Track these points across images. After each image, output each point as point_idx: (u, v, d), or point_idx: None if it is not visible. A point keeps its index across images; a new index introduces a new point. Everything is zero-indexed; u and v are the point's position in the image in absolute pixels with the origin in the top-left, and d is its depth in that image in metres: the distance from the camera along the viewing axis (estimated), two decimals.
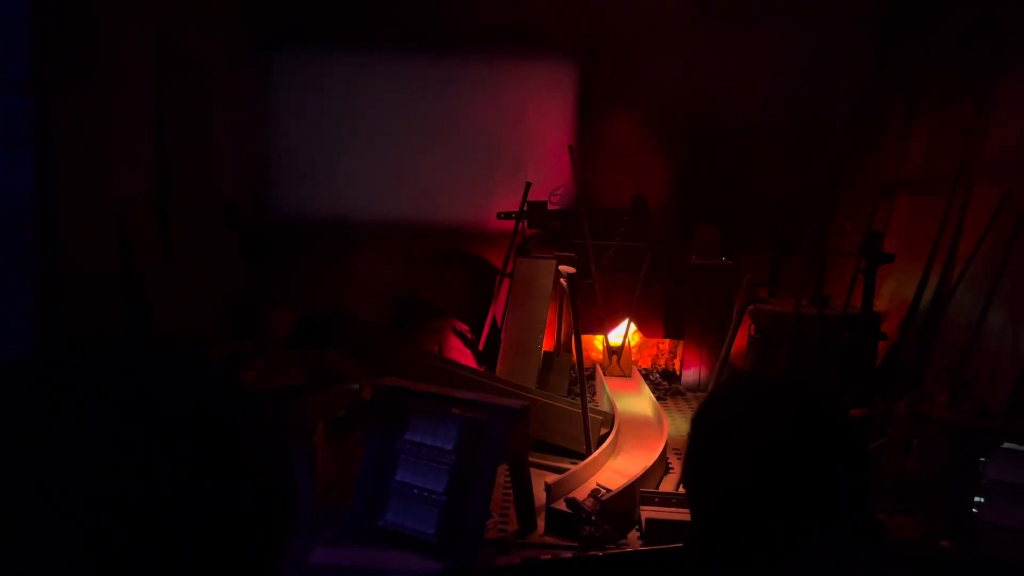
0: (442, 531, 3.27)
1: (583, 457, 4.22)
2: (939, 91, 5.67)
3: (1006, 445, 3.21)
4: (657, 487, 4.02)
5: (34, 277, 3.33)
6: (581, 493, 3.63)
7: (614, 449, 4.44)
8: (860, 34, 6.53)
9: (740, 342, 5.76)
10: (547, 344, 5.88)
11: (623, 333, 6.35)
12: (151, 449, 0.69)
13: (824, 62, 6.45)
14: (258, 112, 6.92)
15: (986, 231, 4.63)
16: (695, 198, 6.77)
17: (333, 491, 3.88)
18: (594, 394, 5.93)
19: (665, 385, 6.46)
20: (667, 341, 6.92)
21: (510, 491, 3.69)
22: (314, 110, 6.92)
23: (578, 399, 4.53)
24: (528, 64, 7.08)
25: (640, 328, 6.69)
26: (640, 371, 6.47)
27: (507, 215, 6.65)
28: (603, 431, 4.70)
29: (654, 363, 6.96)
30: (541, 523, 3.60)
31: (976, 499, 3.22)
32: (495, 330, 6.25)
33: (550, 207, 6.78)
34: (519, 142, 7.12)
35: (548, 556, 3.33)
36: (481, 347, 6.34)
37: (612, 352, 6.34)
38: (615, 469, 4.18)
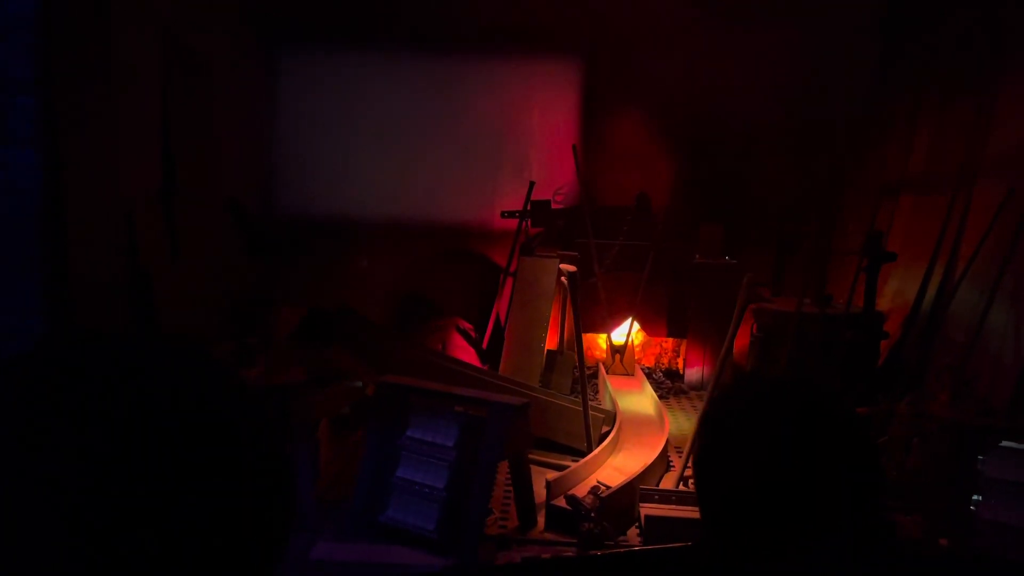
0: (442, 527, 3.30)
1: (584, 455, 4.24)
2: (941, 91, 5.67)
3: (1005, 443, 3.21)
4: (657, 484, 4.03)
5: (41, 274, 3.37)
6: (581, 490, 3.66)
7: (615, 447, 4.46)
8: (861, 34, 6.53)
9: (743, 341, 5.77)
10: (550, 343, 5.89)
11: (626, 332, 6.37)
12: (150, 448, 0.69)
13: (825, 62, 6.46)
14: (263, 111, 6.95)
15: (988, 230, 4.63)
16: (698, 197, 6.78)
17: (336, 487, 3.91)
18: (597, 393, 5.95)
19: (668, 384, 6.47)
20: (670, 340, 6.93)
21: (511, 488, 3.72)
22: (319, 109, 6.95)
23: (580, 397, 4.55)
24: (532, 64, 7.09)
25: (643, 327, 6.71)
26: (643, 370, 6.49)
27: (511, 214, 6.67)
28: (604, 429, 4.71)
29: (657, 362, 6.97)
30: (541, 520, 3.62)
31: (974, 497, 3.23)
32: (499, 329, 6.27)
33: (554, 206, 6.79)
34: (523, 141, 7.14)
35: (548, 552, 3.35)
36: (485, 345, 6.37)
37: (615, 351, 6.36)
38: (616, 467, 4.20)
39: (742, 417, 1.27)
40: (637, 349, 6.67)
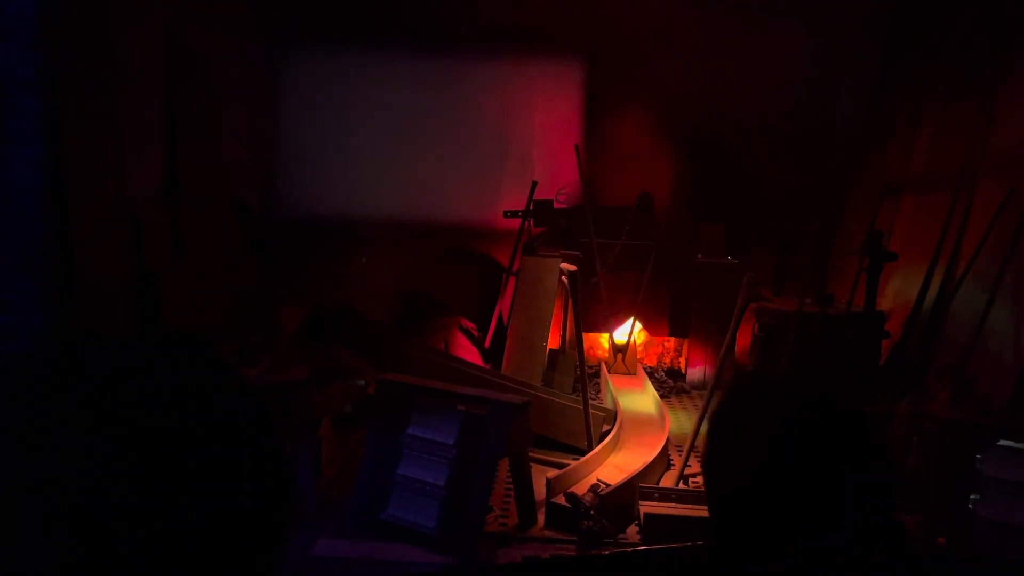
0: (443, 524, 3.32)
1: (585, 453, 4.26)
2: (943, 91, 5.67)
3: (1003, 442, 3.22)
4: (657, 483, 4.05)
5: (46, 274, 3.40)
6: (581, 488, 3.67)
7: (615, 445, 4.47)
8: (863, 34, 6.53)
9: (744, 341, 5.79)
10: (552, 342, 5.91)
11: (628, 331, 6.38)
12: (152, 448, 0.69)
13: (827, 62, 6.46)
14: (267, 111, 6.98)
15: (988, 230, 4.64)
16: (700, 197, 6.79)
17: (337, 485, 3.93)
18: (599, 392, 5.97)
19: (670, 383, 6.48)
20: (672, 339, 6.94)
21: (512, 485, 3.73)
22: (322, 109, 6.98)
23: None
24: (534, 64, 7.11)
25: (645, 326, 6.72)
26: (645, 369, 6.51)
27: (513, 214, 6.69)
28: (605, 428, 4.73)
29: (659, 361, 6.99)
30: (541, 517, 3.64)
31: (972, 496, 3.24)
32: (501, 328, 6.29)
33: (556, 206, 6.81)
34: (525, 141, 7.15)
35: (547, 548, 3.37)
36: (487, 344, 6.39)
37: (617, 350, 6.38)
38: (616, 465, 4.22)
39: (752, 416, 1.26)
40: (639, 348, 6.68)
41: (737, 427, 1.27)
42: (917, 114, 5.98)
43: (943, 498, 3.53)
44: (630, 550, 3.32)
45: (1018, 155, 4.71)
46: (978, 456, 3.24)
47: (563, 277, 4.40)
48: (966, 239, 5.03)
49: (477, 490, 3.30)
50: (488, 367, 5.67)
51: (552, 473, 3.79)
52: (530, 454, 3.82)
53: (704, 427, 4.00)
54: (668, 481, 4.15)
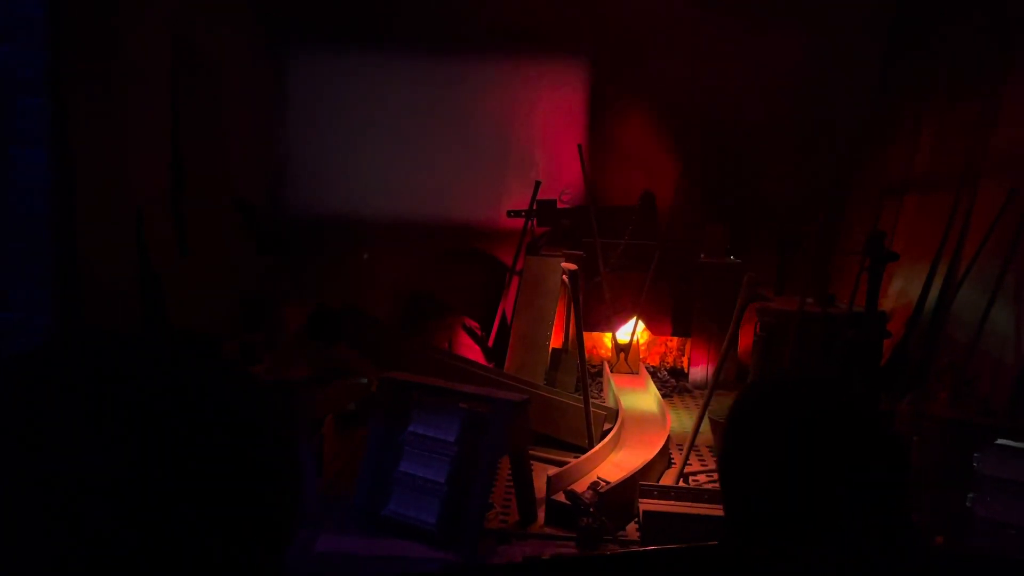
0: (443, 521, 3.35)
1: (586, 451, 4.28)
2: (946, 90, 5.67)
3: (1000, 441, 3.23)
4: (658, 481, 4.07)
5: (51, 273, 3.42)
6: (581, 486, 3.69)
7: (616, 443, 4.49)
8: (865, 34, 6.53)
9: (746, 340, 5.80)
10: (555, 341, 5.94)
11: (631, 331, 6.40)
12: (158, 446, 0.70)
13: (829, 62, 6.46)
14: (272, 111, 7.00)
15: (990, 229, 4.64)
16: (703, 197, 6.80)
17: (339, 483, 3.97)
18: (601, 390, 5.99)
19: (672, 382, 6.50)
20: (675, 339, 6.96)
21: (512, 483, 3.76)
22: (328, 109, 7.00)
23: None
24: (537, 64, 7.12)
25: (648, 326, 6.73)
26: (648, 368, 6.53)
27: (517, 213, 6.71)
28: (607, 426, 4.75)
29: (662, 361, 7.00)
30: (542, 514, 3.67)
31: (969, 495, 3.25)
32: (504, 327, 6.31)
33: (559, 205, 6.83)
34: (529, 141, 7.17)
35: (547, 545, 3.39)
36: (491, 344, 6.41)
37: (620, 349, 6.39)
38: (616, 463, 4.24)
39: (768, 416, 1.27)
40: (642, 348, 6.70)
41: (753, 427, 1.28)
42: (920, 114, 5.98)
43: (942, 497, 3.54)
44: (639, 549, 3.35)
45: (1019, 155, 4.71)
46: (976, 455, 3.25)
47: (564, 276, 4.41)
48: (968, 239, 5.03)
49: (478, 487, 3.33)
50: (491, 366, 5.70)
51: (553, 471, 3.81)
52: (531, 452, 3.85)
53: (704, 425, 4.05)
54: (668, 479, 4.17)
